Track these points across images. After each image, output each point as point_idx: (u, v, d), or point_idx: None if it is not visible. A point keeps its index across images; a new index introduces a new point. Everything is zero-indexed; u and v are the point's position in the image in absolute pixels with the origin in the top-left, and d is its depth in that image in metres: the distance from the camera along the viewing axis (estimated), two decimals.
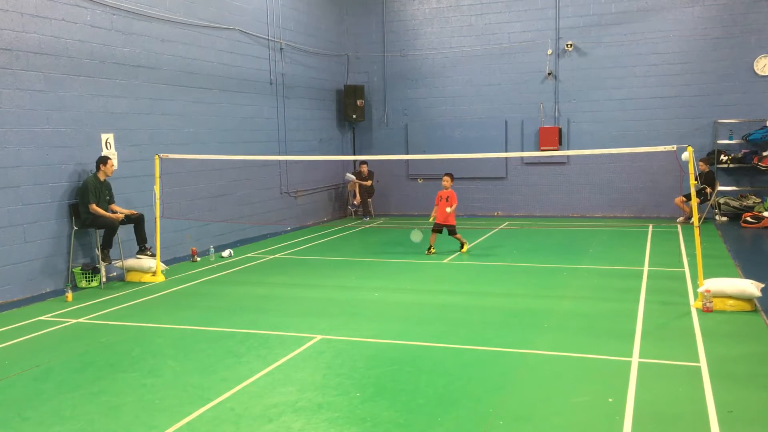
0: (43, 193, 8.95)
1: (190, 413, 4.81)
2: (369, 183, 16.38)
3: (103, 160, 9.37)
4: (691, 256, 9.72)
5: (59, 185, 9.19)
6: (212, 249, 11.27)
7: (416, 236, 11.20)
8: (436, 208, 11.10)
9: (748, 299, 7.11)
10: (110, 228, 9.30)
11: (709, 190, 13.80)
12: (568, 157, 15.53)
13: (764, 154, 13.96)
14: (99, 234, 9.46)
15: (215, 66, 12.33)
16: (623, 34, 15.06)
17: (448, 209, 10.88)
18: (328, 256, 11.39)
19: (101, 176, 9.38)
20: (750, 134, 14.16)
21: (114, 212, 9.53)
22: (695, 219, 7.81)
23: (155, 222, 9.65)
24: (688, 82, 14.71)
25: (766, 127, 14.05)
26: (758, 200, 14.02)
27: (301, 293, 8.65)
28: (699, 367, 5.46)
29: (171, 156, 10.10)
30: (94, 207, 9.17)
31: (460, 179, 16.36)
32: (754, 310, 7.07)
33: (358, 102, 16.68)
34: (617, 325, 6.77)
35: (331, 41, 16.74)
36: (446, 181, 11.09)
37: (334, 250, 11.98)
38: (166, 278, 9.58)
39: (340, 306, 7.93)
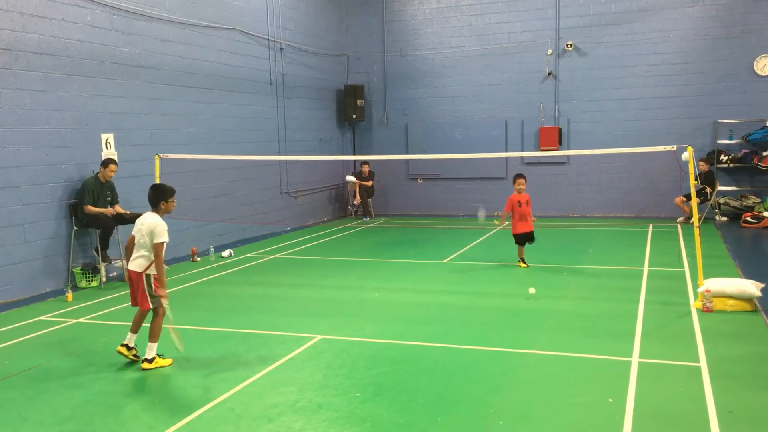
0: (43, 193, 8.95)
1: (190, 413, 4.80)
2: (370, 183, 16.38)
3: (104, 163, 9.37)
4: (691, 256, 9.72)
5: (59, 185, 9.19)
6: (212, 249, 11.27)
7: (481, 213, 10.98)
8: (505, 213, 9.96)
9: (748, 299, 7.11)
10: (106, 228, 9.28)
11: (709, 190, 13.80)
12: (568, 157, 15.53)
13: (764, 154, 13.96)
14: (97, 234, 9.45)
15: (215, 66, 12.34)
16: (623, 34, 15.06)
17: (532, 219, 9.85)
18: (328, 256, 11.39)
19: (101, 178, 9.37)
20: (750, 134, 14.16)
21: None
22: (695, 219, 7.81)
23: None
24: (688, 82, 14.71)
25: (766, 127, 14.05)
26: (758, 200, 14.02)
27: (301, 293, 8.65)
28: (699, 367, 5.46)
29: (171, 156, 10.10)
30: (88, 208, 9.16)
31: (460, 179, 16.43)
32: (754, 310, 7.07)
33: (358, 102, 16.68)
34: (617, 325, 6.77)
35: (331, 41, 16.74)
36: (522, 184, 9.82)
37: (334, 250, 11.97)
38: None
39: (340, 306, 7.93)
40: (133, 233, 5.95)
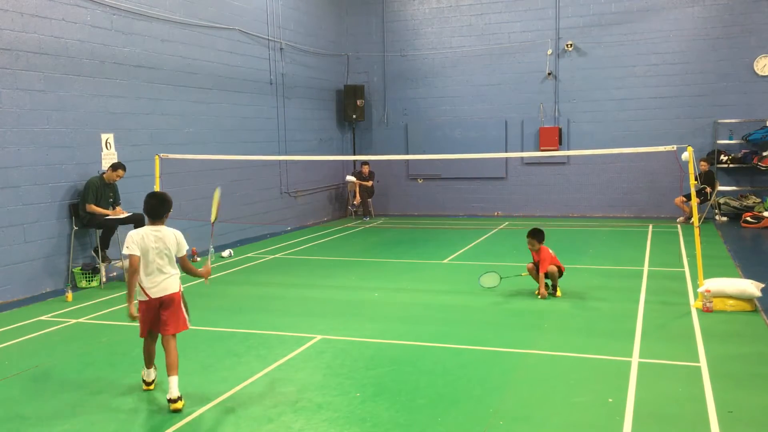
0: (43, 193, 8.95)
1: (191, 413, 4.80)
2: (370, 183, 16.38)
3: (114, 166, 9.39)
4: (691, 256, 9.71)
5: (59, 185, 9.19)
6: (212, 249, 11.24)
7: (490, 281, 8.40)
8: (528, 269, 8.27)
9: (748, 299, 7.11)
10: (108, 228, 9.30)
11: (709, 189, 13.80)
12: (568, 157, 15.53)
13: (764, 154, 13.96)
14: (97, 234, 9.46)
15: (215, 66, 12.34)
16: (623, 34, 15.06)
17: (548, 274, 8.05)
18: (328, 256, 11.38)
19: (106, 179, 9.38)
20: (750, 134, 14.16)
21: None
22: (695, 219, 7.81)
23: None
24: (688, 82, 14.71)
25: (766, 127, 14.05)
26: (758, 200, 14.02)
27: (301, 293, 8.65)
28: (699, 367, 5.46)
29: (171, 156, 10.10)
30: (90, 206, 9.17)
31: (460, 179, 16.43)
32: (754, 310, 7.07)
33: (358, 102, 16.68)
34: (617, 325, 6.77)
35: (331, 41, 16.74)
36: (533, 243, 8.13)
37: (334, 250, 11.97)
38: None
39: (340, 306, 7.93)
40: (140, 254, 4.98)
